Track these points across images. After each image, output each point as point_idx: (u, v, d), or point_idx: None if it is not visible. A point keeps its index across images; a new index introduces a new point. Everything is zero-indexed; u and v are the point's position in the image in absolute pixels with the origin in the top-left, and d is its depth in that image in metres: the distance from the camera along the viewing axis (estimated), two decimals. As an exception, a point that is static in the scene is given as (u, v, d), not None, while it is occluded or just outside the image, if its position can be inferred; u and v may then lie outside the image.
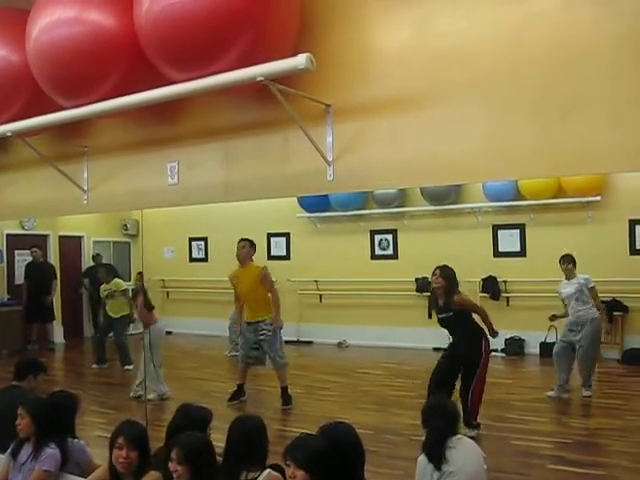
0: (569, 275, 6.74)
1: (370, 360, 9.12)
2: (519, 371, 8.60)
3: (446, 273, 5.44)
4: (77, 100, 3.38)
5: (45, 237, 10.77)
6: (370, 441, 4.03)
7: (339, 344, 10.14)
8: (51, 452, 3.30)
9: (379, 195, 9.62)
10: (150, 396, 6.99)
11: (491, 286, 9.29)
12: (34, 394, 3.84)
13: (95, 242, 11.67)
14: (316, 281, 10.05)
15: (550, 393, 6.67)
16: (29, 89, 3.59)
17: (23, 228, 10.42)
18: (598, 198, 8.43)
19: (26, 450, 3.39)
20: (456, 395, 5.27)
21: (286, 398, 6.50)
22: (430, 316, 9.67)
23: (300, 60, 2.63)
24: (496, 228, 9.36)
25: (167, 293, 11.41)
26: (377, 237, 10.24)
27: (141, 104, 3.19)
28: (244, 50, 2.80)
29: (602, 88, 2.44)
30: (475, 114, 2.71)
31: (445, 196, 9.25)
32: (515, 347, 8.93)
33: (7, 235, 10.32)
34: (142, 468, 2.92)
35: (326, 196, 9.30)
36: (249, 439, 2.90)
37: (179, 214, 9.66)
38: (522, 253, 9.18)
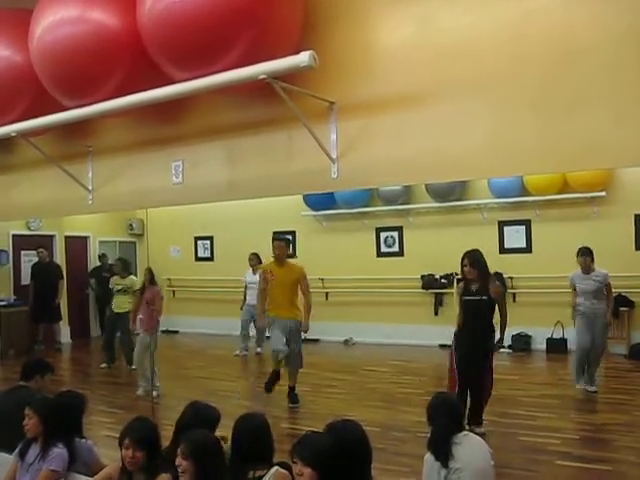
0: (587, 269, 6.52)
1: (377, 357, 9.12)
2: (526, 367, 8.56)
3: (477, 262, 5.28)
4: (81, 100, 3.39)
5: (51, 237, 10.83)
6: (377, 438, 4.04)
7: (345, 342, 10.15)
8: (59, 452, 3.30)
9: (384, 192, 9.61)
10: (138, 392, 7.07)
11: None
12: (41, 394, 3.83)
13: (101, 242, 11.70)
14: (322, 279, 10.04)
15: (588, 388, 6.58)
16: (33, 89, 3.59)
17: (29, 228, 10.45)
18: (603, 193, 8.42)
19: (34, 450, 3.38)
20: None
21: (293, 397, 6.50)
22: (437, 313, 9.77)
23: (303, 58, 2.63)
24: (502, 224, 9.34)
25: (173, 292, 11.43)
26: (383, 234, 10.24)
27: (145, 103, 3.19)
28: (247, 48, 2.80)
29: (606, 83, 2.43)
30: (479, 110, 2.71)
31: (450, 193, 9.23)
32: (522, 343, 8.89)
33: (13, 235, 10.36)
34: (152, 465, 2.93)
35: (331, 194, 9.31)
36: (254, 437, 2.89)
37: (184, 213, 9.72)
38: (528, 249, 9.15)
